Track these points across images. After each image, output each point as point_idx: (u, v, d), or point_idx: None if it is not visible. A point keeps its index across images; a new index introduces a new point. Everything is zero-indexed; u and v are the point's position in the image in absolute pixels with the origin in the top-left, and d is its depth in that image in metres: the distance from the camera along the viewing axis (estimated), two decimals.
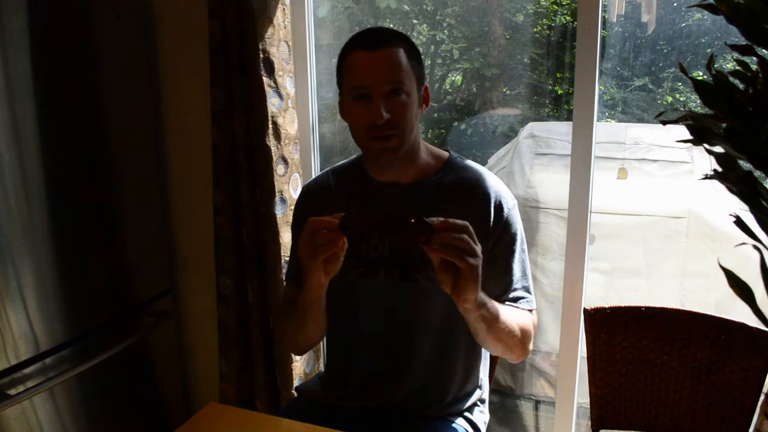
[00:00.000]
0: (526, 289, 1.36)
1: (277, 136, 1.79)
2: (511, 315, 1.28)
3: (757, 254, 1.01)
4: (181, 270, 2.16)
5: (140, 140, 1.97)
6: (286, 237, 1.83)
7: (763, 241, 1.00)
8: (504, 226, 1.32)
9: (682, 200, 2.37)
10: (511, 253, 1.34)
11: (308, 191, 1.47)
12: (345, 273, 1.34)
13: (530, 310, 1.36)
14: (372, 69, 1.22)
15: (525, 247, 1.37)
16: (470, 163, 1.39)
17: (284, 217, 1.83)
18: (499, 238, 1.32)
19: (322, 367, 2.03)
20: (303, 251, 1.12)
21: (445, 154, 1.40)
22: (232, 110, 1.80)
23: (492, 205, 1.31)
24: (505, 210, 1.32)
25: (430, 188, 1.33)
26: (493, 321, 1.22)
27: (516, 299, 1.34)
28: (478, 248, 1.08)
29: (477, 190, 1.33)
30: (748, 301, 1.04)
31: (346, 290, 1.36)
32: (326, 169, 1.49)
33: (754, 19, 0.93)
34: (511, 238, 1.33)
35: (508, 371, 2.50)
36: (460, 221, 1.08)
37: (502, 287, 1.34)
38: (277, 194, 1.80)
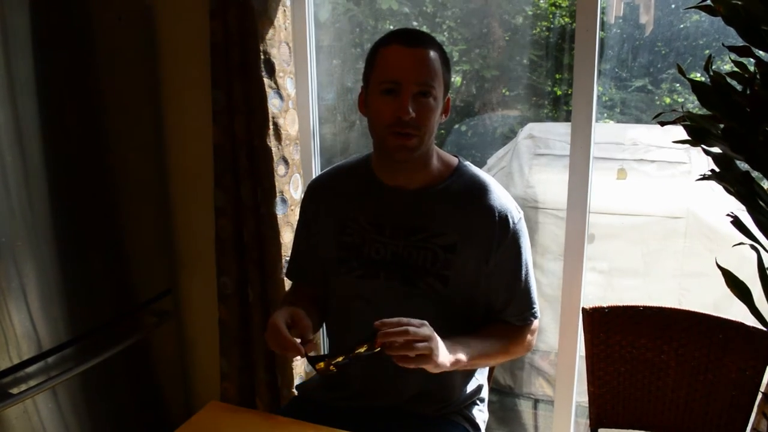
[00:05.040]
0: (530, 302, 1.37)
1: (278, 136, 1.80)
2: (495, 342, 1.33)
3: (754, 254, 1.02)
4: (182, 270, 2.17)
5: (141, 141, 1.97)
6: (286, 237, 1.84)
7: (761, 241, 1.01)
8: (511, 240, 1.32)
9: (680, 201, 2.38)
10: (517, 266, 1.34)
11: (316, 187, 1.47)
12: (345, 274, 1.35)
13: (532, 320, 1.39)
14: (407, 65, 1.23)
15: (530, 259, 1.38)
16: (478, 171, 1.39)
17: (285, 217, 1.84)
18: (504, 252, 1.32)
19: None
20: (269, 343, 1.21)
21: (455, 160, 1.39)
22: (233, 111, 1.80)
23: (498, 218, 1.31)
24: (511, 224, 1.32)
25: (437, 195, 1.33)
26: (474, 362, 1.29)
27: (519, 312, 1.37)
28: (422, 333, 1.13)
29: (483, 201, 1.32)
30: (746, 301, 1.05)
31: (346, 291, 1.37)
32: (334, 166, 1.49)
33: (752, 20, 0.94)
34: (517, 252, 1.34)
35: (507, 370, 2.51)
36: (394, 320, 1.13)
37: (506, 300, 1.35)
38: (277, 194, 1.81)
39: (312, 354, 1.18)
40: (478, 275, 1.32)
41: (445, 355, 1.18)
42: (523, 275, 1.35)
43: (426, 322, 1.16)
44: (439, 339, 1.17)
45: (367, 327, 1.34)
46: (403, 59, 1.23)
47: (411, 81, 1.22)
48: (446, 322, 1.31)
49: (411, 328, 1.12)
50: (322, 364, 1.15)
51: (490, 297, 1.35)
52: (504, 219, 1.31)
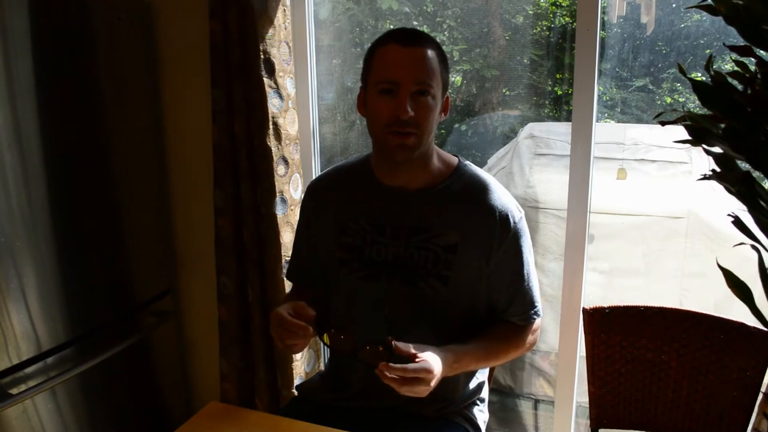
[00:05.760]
0: (533, 301, 1.37)
1: (278, 136, 1.79)
2: (497, 344, 1.33)
3: (755, 254, 1.02)
4: (182, 270, 2.17)
5: (141, 140, 1.97)
6: (286, 237, 1.83)
7: (762, 241, 1.01)
8: (512, 239, 1.32)
9: (681, 200, 2.38)
10: (519, 266, 1.34)
11: (316, 187, 1.47)
12: (346, 275, 1.35)
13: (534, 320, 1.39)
14: (404, 65, 1.23)
15: (532, 258, 1.37)
16: (478, 171, 1.38)
17: (285, 217, 1.83)
18: (506, 252, 1.32)
19: (322, 367, 2.04)
20: (273, 335, 1.22)
21: (455, 160, 1.39)
22: (233, 111, 1.80)
23: (498, 218, 1.31)
24: (512, 223, 1.32)
25: (437, 196, 1.33)
26: (474, 367, 1.33)
27: (522, 312, 1.36)
28: (427, 381, 1.13)
29: (484, 201, 1.32)
30: (747, 301, 1.04)
31: (347, 292, 1.36)
32: (334, 166, 1.49)
33: (753, 20, 0.93)
34: (519, 251, 1.34)
35: (507, 371, 2.50)
36: (417, 366, 1.13)
37: (508, 300, 1.35)
38: (277, 194, 1.80)
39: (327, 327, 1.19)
40: (480, 275, 1.32)
41: (438, 378, 1.17)
42: (525, 274, 1.35)
43: (437, 366, 1.15)
44: (436, 377, 1.15)
45: (370, 329, 1.35)
46: (401, 59, 1.23)
47: (409, 80, 1.21)
48: (447, 323, 1.31)
49: (406, 387, 1.12)
50: (326, 337, 1.18)
51: (492, 297, 1.35)
52: (505, 218, 1.31)
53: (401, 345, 1.15)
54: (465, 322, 1.34)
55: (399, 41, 1.24)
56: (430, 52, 1.24)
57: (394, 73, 1.22)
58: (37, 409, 1.60)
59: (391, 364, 1.12)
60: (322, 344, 2.01)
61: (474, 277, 1.31)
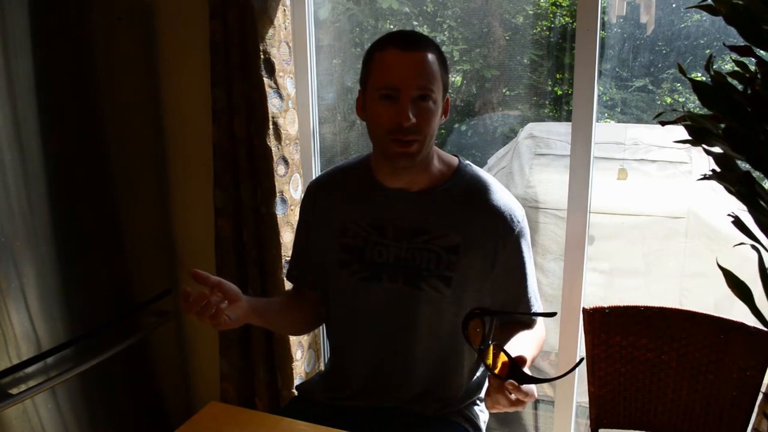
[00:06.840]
0: (536, 297, 1.38)
1: (278, 136, 1.79)
2: (534, 345, 1.31)
3: (755, 254, 1.02)
4: (182, 270, 2.17)
5: (141, 140, 1.97)
6: (286, 237, 1.83)
7: (762, 241, 1.01)
8: (516, 239, 1.32)
9: (681, 200, 2.38)
10: (522, 264, 1.35)
11: (316, 188, 1.46)
12: (347, 276, 1.35)
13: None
14: (405, 70, 1.21)
15: (531, 253, 1.38)
16: (479, 171, 1.38)
17: (285, 217, 1.83)
18: (511, 251, 1.32)
19: (322, 367, 2.04)
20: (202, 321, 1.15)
21: (455, 160, 1.38)
22: (233, 111, 1.80)
23: (502, 218, 1.31)
24: (516, 223, 1.32)
25: (438, 197, 1.33)
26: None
27: (528, 309, 1.37)
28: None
29: (486, 201, 1.32)
30: (747, 301, 1.04)
31: (348, 293, 1.36)
32: (333, 167, 1.49)
33: (753, 20, 0.93)
34: (522, 250, 1.34)
35: None
36: (531, 393, 1.03)
37: (515, 297, 1.36)
38: (277, 194, 1.81)
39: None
40: (483, 275, 1.32)
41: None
42: (529, 273, 1.36)
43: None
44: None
45: (372, 330, 1.35)
46: (401, 64, 1.21)
47: (410, 86, 1.20)
48: (450, 321, 1.31)
49: (511, 406, 1.04)
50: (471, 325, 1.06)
51: (497, 297, 1.35)
52: (509, 218, 1.31)
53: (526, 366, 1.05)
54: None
55: (398, 45, 1.22)
56: (430, 56, 1.23)
57: (395, 79, 1.20)
58: (37, 409, 1.60)
59: (521, 386, 1.01)
60: (324, 338, 2.01)
61: (477, 278, 1.31)
